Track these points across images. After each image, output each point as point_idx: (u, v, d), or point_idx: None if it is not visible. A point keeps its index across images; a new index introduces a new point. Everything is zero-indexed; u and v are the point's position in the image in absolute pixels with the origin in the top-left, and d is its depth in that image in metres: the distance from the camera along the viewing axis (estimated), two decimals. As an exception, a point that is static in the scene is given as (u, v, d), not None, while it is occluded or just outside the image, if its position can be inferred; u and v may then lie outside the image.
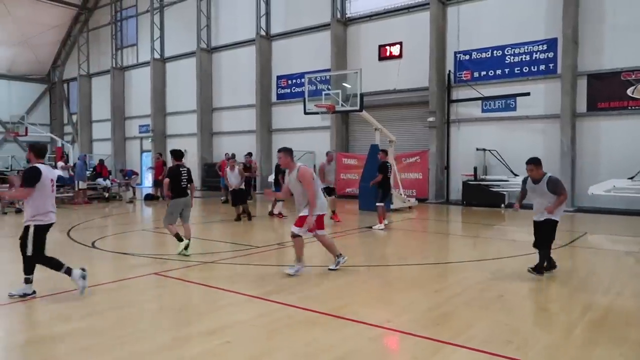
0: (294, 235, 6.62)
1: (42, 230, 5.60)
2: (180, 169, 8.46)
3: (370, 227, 11.29)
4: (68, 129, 35.42)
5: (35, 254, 5.57)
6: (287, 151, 6.70)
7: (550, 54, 15.63)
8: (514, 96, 16.11)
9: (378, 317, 4.84)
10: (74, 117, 34.46)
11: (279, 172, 14.27)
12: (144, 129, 28.92)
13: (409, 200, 15.64)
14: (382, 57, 19.18)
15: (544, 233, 6.48)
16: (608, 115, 14.77)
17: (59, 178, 18.70)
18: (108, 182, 19.52)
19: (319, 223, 6.76)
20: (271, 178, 21.62)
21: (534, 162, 6.61)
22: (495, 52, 16.62)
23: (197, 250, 8.51)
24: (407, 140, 18.28)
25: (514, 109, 16.31)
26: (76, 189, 17.97)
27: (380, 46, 19.18)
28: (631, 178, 13.69)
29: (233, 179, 12.76)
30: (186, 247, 8.07)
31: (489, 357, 3.84)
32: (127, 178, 21.10)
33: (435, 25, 17.33)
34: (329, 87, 15.99)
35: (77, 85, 33.25)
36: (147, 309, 5.42)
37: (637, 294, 5.83)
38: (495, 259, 7.96)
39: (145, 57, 28.43)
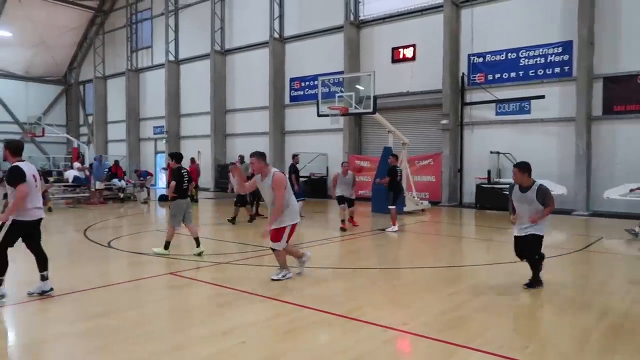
0: (275, 250, 6.47)
1: (21, 227, 5.51)
2: (182, 171, 8.60)
3: (384, 230, 11.29)
4: (84, 130, 35.89)
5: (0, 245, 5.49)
6: (260, 155, 6.43)
7: (566, 57, 15.49)
8: (528, 99, 16.00)
9: (392, 319, 4.85)
10: (90, 118, 34.91)
11: (293, 172, 14.33)
12: (158, 130, 29.20)
13: (421, 203, 15.59)
14: (395, 59, 19.16)
15: (530, 250, 6.02)
16: (624, 119, 14.59)
17: (75, 178, 19.01)
18: (123, 183, 19.74)
19: (292, 231, 6.54)
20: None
21: (519, 167, 6.02)
22: (509, 54, 16.52)
23: (210, 251, 8.59)
24: (420, 143, 18.22)
25: (529, 111, 16.19)
26: (93, 189, 18.21)
27: (393, 49, 19.16)
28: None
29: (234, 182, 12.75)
30: (197, 246, 8.35)
31: (505, 361, 3.84)
32: (141, 179, 21.32)
33: (448, 27, 17.27)
34: (342, 89, 16.03)
35: (93, 86, 33.68)
36: (162, 308, 5.49)
37: (654, 300, 5.76)
38: (509, 262, 7.89)
39: (160, 59, 28.72)
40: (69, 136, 30.40)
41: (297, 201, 13.77)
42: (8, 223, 5.45)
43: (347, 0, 20.15)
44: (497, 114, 16.84)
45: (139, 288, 6.34)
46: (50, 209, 15.83)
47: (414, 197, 15.47)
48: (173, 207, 8.46)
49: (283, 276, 6.50)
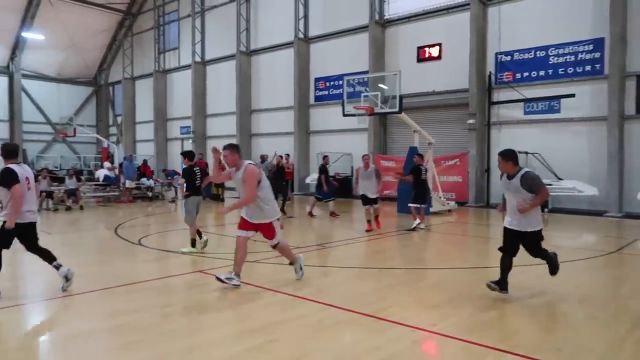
0: (275, 246, 6.38)
1: (13, 230, 5.49)
2: (194, 169, 8.86)
3: (413, 229, 11.19)
4: (113, 130, 36.68)
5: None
6: (232, 148, 6.18)
7: (597, 54, 15.10)
8: (558, 98, 15.66)
9: (421, 320, 4.83)
10: (119, 119, 35.66)
11: (323, 172, 14.42)
12: (185, 130, 29.64)
13: (448, 204, 15.44)
14: (421, 58, 19.01)
15: (532, 248, 5.68)
16: (659, 118, 14.17)
17: (106, 177, 19.47)
18: (151, 182, 20.12)
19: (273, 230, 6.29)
20: (309, 179, 21.86)
21: (501, 155, 5.63)
22: (538, 52, 16.20)
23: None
24: (446, 143, 18.04)
25: (558, 111, 15.85)
26: (122, 187, 18.62)
27: (418, 48, 19.02)
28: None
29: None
30: (196, 243, 8.58)
31: (538, 364, 3.79)
32: (169, 178, 21.70)
33: (475, 25, 17.05)
34: (367, 89, 16.00)
35: (122, 87, 34.39)
36: (191, 306, 5.58)
37: (693, 305, 5.59)
38: (540, 264, 7.75)
39: (187, 60, 29.14)
40: (99, 136, 31.14)
41: (327, 201, 14.04)
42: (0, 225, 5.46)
43: (372, -1, 20.11)
44: (526, 113, 16.55)
45: (168, 285, 6.46)
46: (81, 207, 16.27)
47: (440, 197, 15.33)
48: (187, 204, 8.74)
49: (301, 267, 6.50)
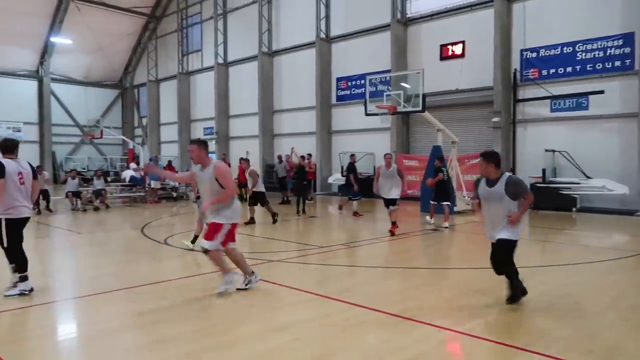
0: (207, 251, 5.65)
1: (14, 224, 5.58)
2: None
3: (435, 229, 11.13)
4: (138, 131, 37.35)
5: (10, 246, 5.60)
6: (200, 144, 5.75)
7: (627, 49, 14.70)
8: (586, 94, 15.30)
9: (448, 320, 4.78)
10: (144, 120, 36.28)
11: (351, 171, 14.43)
12: (208, 131, 29.98)
13: (472, 203, 15.21)
14: (444, 56, 18.81)
15: (500, 257, 5.13)
16: (693, 114, 13.71)
17: (132, 178, 19.83)
18: (176, 183, 20.39)
19: (231, 234, 5.78)
20: (331, 179, 21.87)
21: (484, 156, 5.14)
22: (565, 48, 15.86)
23: (262, 249, 8.74)
24: (470, 142, 17.81)
25: (586, 107, 15.49)
26: (148, 188, 18.93)
27: (441, 46, 18.82)
28: None
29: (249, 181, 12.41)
30: (193, 241, 8.70)
31: (569, 366, 3.71)
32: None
33: (499, 22, 16.79)
34: (389, 88, 15.92)
35: (147, 90, 34.99)
36: (217, 304, 5.62)
37: None
38: (568, 264, 7.62)
39: (210, 62, 29.47)
40: (124, 138, 31.73)
41: (353, 200, 14.03)
42: (3, 224, 5.49)
43: (394, -2, 19.99)
44: (552, 110, 16.21)
45: (194, 284, 6.54)
46: (107, 206, 16.61)
47: (464, 196, 15.13)
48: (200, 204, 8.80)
49: (227, 286, 5.73)
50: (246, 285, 5.87)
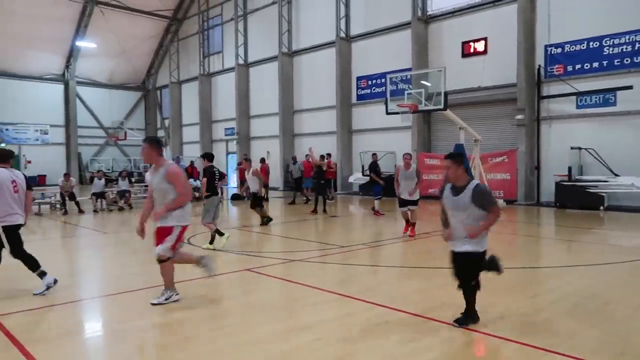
0: (162, 260, 5.35)
1: (11, 230, 5.72)
2: (213, 169, 9.18)
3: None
4: (161, 132, 37.87)
5: (14, 250, 5.76)
6: (152, 142, 5.39)
7: (657, 43, 14.29)
8: (613, 90, 14.91)
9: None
10: (166, 122, 36.80)
11: (372, 170, 14.41)
12: (229, 131, 30.23)
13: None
14: (466, 53, 18.56)
15: (464, 272, 4.56)
16: None
17: (155, 179, 20.10)
18: (198, 183, 20.60)
19: (181, 236, 5.51)
20: (352, 179, 21.82)
21: (452, 158, 4.52)
22: (591, 43, 15.48)
23: (283, 248, 8.77)
24: (493, 139, 17.55)
25: (614, 104, 15.09)
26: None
27: (463, 43, 18.58)
28: None
29: (249, 182, 11.92)
30: (220, 239, 8.84)
31: (598, 368, 3.61)
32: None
33: (523, 17, 16.48)
34: (410, 86, 15.82)
35: (169, 91, 35.47)
36: (241, 303, 5.67)
37: None
38: (596, 264, 7.43)
39: (230, 63, 29.71)
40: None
41: (375, 199, 13.99)
42: (0, 231, 5.65)
43: (414, -5, 19.83)
44: (578, 107, 15.85)
45: (217, 283, 6.59)
46: (131, 207, 16.89)
47: (487, 195, 14.91)
48: (207, 203, 9.02)
49: (167, 299, 5.40)
50: (166, 299, 5.38)
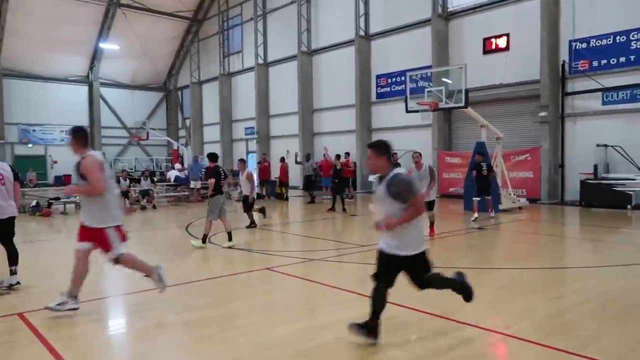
0: (118, 260, 5.13)
1: (2, 224, 5.94)
2: (219, 169, 9.39)
3: (480, 228, 10.89)
4: (182, 132, 38.32)
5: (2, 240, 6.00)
6: (74, 133, 5.15)
7: (687, 37, 13.85)
8: (641, 85, 14.52)
9: (494, 322, 4.64)
10: (187, 122, 37.19)
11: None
12: (249, 131, 30.40)
13: (518, 201, 14.76)
14: (487, 50, 18.28)
15: (376, 272, 4.19)
16: None
17: (176, 178, 20.37)
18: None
19: (121, 234, 5.21)
20: (372, 178, 21.70)
21: (373, 147, 4.09)
22: (618, 37, 15.08)
23: (302, 247, 8.77)
24: (515, 137, 17.26)
25: (642, 99, 14.70)
26: (192, 188, 19.41)
27: (484, 39, 18.30)
28: None
29: (242, 184, 11.64)
30: (229, 240, 9.04)
31: (625, 372, 3.52)
32: (235, 178, 22.28)
33: (546, 12, 16.16)
34: (430, 84, 15.66)
35: (190, 92, 35.83)
36: (260, 302, 5.69)
37: None
38: (623, 265, 7.24)
39: (250, 62, 29.86)
40: (169, 139, 32.61)
41: None
42: None
43: (434, -8, 19.61)
44: (604, 103, 15.47)
45: (238, 282, 6.64)
46: (154, 207, 17.12)
47: (510, 194, 14.69)
48: (211, 203, 9.20)
49: (160, 278, 5.27)
50: (57, 304, 4.98)
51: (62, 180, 32.17)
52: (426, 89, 14.75)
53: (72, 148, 5.15)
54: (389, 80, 21.95)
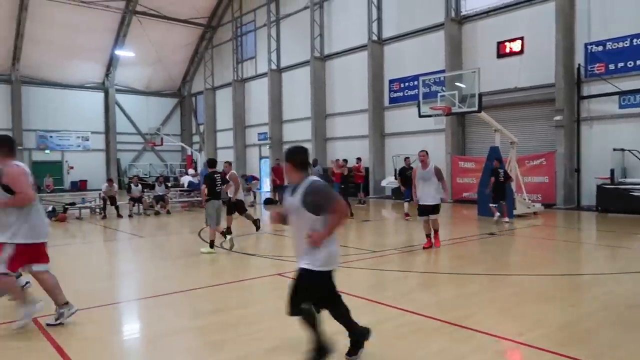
0: None
1: None
2: (214, 175, 9.59)
3: (492, 233, 10.76)
4: (196, 138, 38.63)
5: None
6: (3, 142, 4.78)
7: None
8: (659, 89, 14.27)
9: (507, 329, 4.56)
10: (201, 127, 37.49)
11: (400, 174, 14.33)
12: (262, 136, 30.54)
13: (533, 206, 14.56)
14: (501, 54, 18.14)
15: (293, 293, 3.68)
16: None
17: (190, 183, 20.51)
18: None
19: (35, 253, 4.70)
20: (384, 183, 21.65)
21: (287, 155, 3.76)
22: (635, 40, 14.85)
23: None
24: (530, 142, 17.07)
25: (660, 103, 14.44)
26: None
27: (498, 43, 18.17)
28: None
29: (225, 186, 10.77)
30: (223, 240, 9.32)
31: (643, 383, 3.43)
32: (248, 183, 22.37)
33: (561, 15, 15.98)
34: (443, 88, 15.58)
35: (204, 98, 36.14)
36: (271, 307, 5.67)
37: None
38: (632, 272, 7.09)
39: (263, 68, 30.03)
40: (183, 144, 32.89)
41: (405, 201, 13.85)
42: None
43: (447, -4, 19.54)
44: (621, 106, 15.22)
45: (249, 287, 6.64)
46: (168, 212, 17.24)
47: (524, 199, 14.50)
48: (208, 208, 9.38)
49: (24, 320, 4.72)
50: (57, 320, 4.80)
51: (78, 186, 32.66)
52: (439, 94, 14.67)
53: None
54: (402, 85, 21.90)
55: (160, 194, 17.51)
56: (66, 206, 16.15)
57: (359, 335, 3.95)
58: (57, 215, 15.35)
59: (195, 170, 23.56)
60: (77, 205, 16.54)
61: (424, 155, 8.98)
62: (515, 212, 13.35)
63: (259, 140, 31.16)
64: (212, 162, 10.19)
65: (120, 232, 13.21)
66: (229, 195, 10.82)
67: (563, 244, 10.08)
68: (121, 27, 32.31)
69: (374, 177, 22.31)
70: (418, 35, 21.08)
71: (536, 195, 16.08)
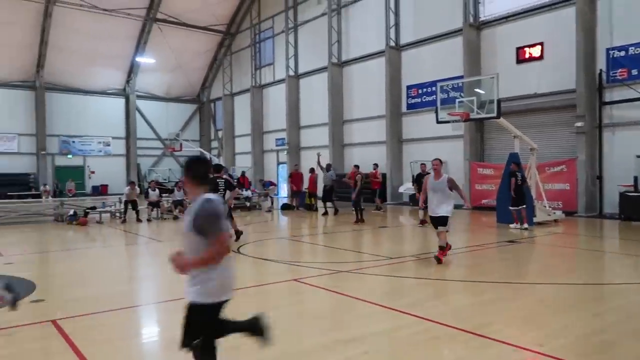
0: None
1: None
2: (217, 181, 9.62)
3: (512, 241, 10.63)
4: (214, 144, 38.99)
5: None
6: None
7: None
8: (684, 94, 13.95)
9: (526, 339, 4.48)
10: (220, 133, 37.84)
11: (416, 181, 14.29)
12: (279, 142, 30.68)
13: (554, 213, 14.32)
14: (520, 59, 17.95)
15: (190, 328, 3.38)
16: None
17: (208, 189, 20.66)
18: (249, 192, 21.02)
19: None
20: (402, 189, 21.54)
21: (184, 168, 3.41)
22: (658, 45, 14.58)
23: (330, 259, 8.73)
24: (550, 148, 16.82)
25: (685, 108, 14.10)
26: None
27: (518, 48, 17.98)
28: None
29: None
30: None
31: (667, 396, 3.33)
32: (265, 188, 22.50)
33: (582, 20, 15.75)
34: (462, 94, 15.47)
35: (222, 104, 36.50)
36: (287, 313, 5.68)
37: None
38: (666, 282, 6.91)
39: (281, 74, 30.21)
40: (202, 150, 33.14)
41: (420, 208, 13.71)
42: None
43: (465, 1, 19.41)
44: (645, 112, 14.92)
45: (265, 293, 6.65)
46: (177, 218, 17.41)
47: (545, 206, 14.27)
48: None
49: None
50: None
51: (99, 190, 33.22)
52: (457, 100, 14.57)
53: None
54: (420, 91, 21.80)
55: (179, 198, 17.71)
56: (87, 210, 16.44)
57: (253, 329, 3.74)
58: (78, 219, 15.63)
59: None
60: (97, 210, 16.82)
61: (437, 164, 8.53)
62: (535, 220, 13.15)
63: (276, 145, 31.30)
64: (217, 168, 10.24)
65: (139, 236, 13.38)
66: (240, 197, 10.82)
67: (584, 253, 9.89)
68: (142, 34, 32.87)
69: (391, 183, 22.21)
70: (436, 41, 20.99)
71: (557, 203, 15.81)
